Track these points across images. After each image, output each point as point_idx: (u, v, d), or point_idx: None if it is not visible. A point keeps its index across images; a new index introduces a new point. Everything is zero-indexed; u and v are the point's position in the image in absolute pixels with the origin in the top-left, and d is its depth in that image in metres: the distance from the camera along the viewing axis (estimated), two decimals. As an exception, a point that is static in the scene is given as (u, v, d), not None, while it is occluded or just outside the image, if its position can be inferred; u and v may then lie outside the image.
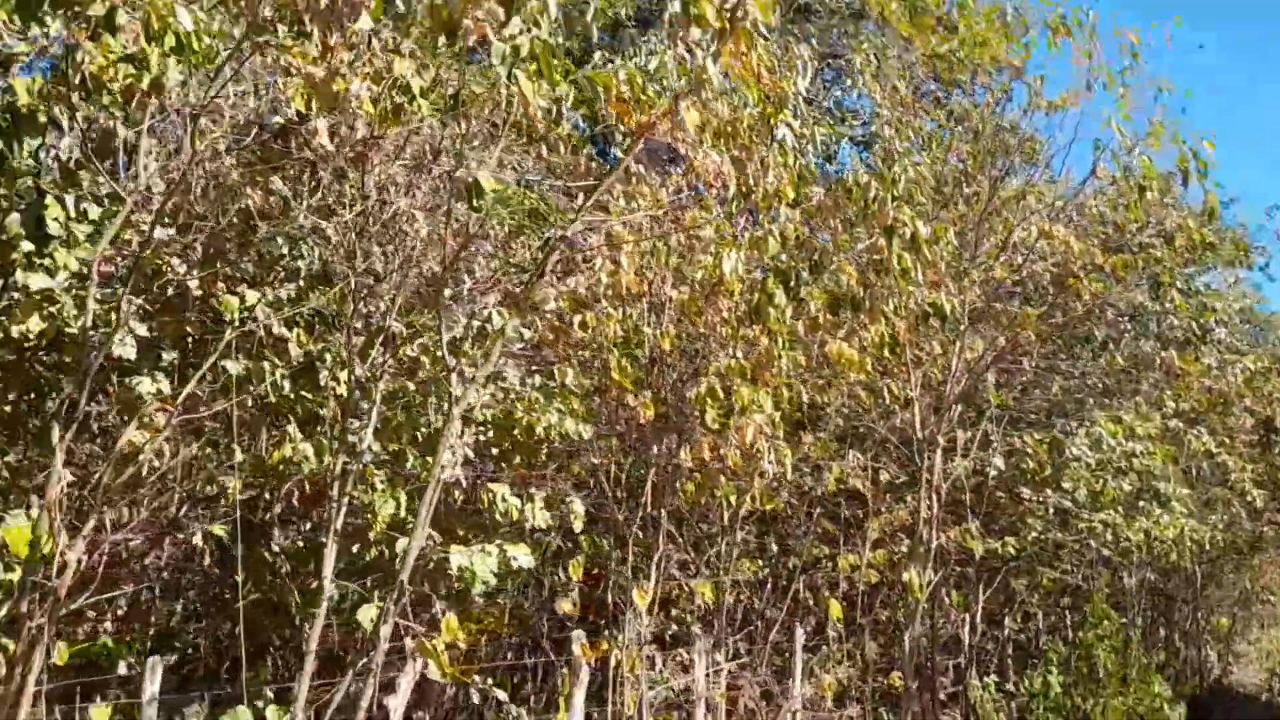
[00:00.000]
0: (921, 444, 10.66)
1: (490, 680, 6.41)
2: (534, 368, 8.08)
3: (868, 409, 10.53)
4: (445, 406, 5.73)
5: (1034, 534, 13.34)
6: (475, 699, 6.49)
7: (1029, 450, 11.69)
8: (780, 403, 8.09)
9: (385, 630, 5.57)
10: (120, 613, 7.18)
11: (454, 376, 5.51)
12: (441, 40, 4.48)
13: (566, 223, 5.86)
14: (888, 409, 10.86)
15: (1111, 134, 9.88)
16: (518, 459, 7.88)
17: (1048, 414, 13.99)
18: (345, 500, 5.87)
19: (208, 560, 6.39)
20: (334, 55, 4.68)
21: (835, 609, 9.78)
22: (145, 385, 5.22)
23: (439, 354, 6.84)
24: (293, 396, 6.36)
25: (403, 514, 6.80)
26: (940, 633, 13.66)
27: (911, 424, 10.75)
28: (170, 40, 4.49)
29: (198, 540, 5.91)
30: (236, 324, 5.48)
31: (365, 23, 4.48)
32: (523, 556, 6.97)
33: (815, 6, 16.88)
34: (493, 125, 5.81)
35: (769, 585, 11.24)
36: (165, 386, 5.27)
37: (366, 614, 7.01)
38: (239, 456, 6.58)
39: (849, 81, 11.11)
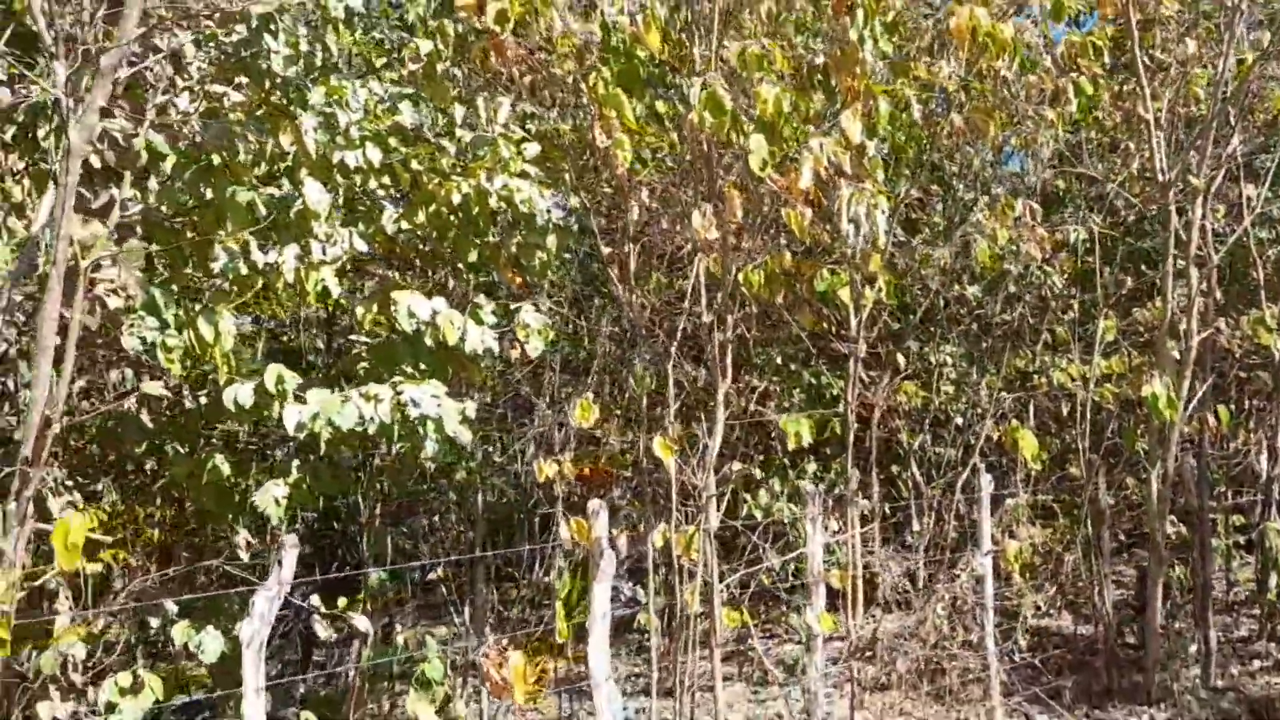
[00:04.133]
0: (1166, 191, 7.03)
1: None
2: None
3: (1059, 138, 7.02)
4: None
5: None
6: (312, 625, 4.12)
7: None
8: (877, 124, 4.92)
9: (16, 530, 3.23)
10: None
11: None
12: None
13: None
14: (1111, 142, 7.26)
15: None
16: (472, 255, 5.24)
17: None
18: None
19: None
20: None
21: (1029, 443, 6.61)
22: None
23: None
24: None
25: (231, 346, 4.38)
26: (1234, 466, 10.03)
27: (1150, 163, 7.12)
28: None
29: None
30: None
31: None
32: (427, 400, 4.41)
33: None
34: None
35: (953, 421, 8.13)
36: None
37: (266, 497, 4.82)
38: None
39: None
